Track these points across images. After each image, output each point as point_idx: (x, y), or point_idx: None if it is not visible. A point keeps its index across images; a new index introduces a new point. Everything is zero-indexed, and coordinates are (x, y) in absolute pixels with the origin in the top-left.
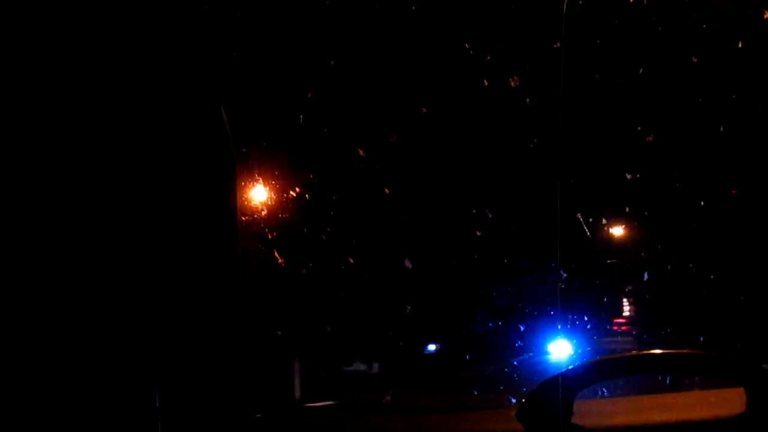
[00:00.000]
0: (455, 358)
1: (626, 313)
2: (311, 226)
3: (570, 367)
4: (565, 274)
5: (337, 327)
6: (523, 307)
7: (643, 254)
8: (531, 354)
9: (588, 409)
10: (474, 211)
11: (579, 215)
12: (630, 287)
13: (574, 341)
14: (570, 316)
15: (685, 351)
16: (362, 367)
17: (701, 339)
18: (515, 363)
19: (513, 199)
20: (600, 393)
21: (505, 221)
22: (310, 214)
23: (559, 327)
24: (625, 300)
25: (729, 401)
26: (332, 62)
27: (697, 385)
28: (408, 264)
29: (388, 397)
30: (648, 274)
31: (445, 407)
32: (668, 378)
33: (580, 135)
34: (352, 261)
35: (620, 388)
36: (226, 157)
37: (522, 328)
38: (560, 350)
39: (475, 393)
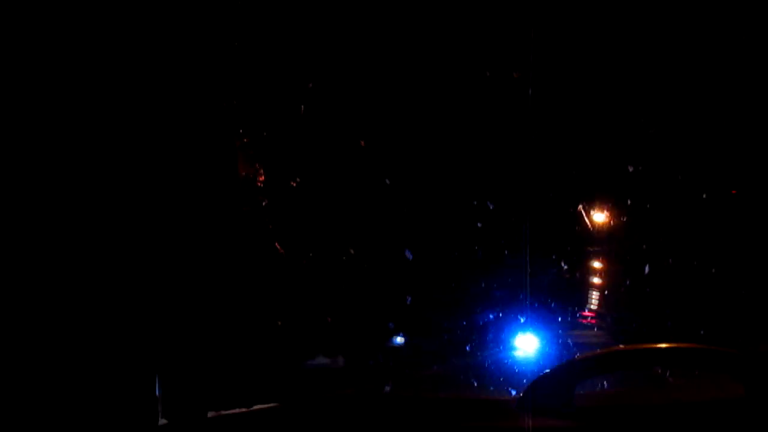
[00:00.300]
0: (421, 352)
1: (593, 306)
2: (270, 219)
3: (571, 359)
4: (566, 266)
5: (300, 320)
6: (491, 301)
7: (627, 249)
8: (498, 349)
9: (587, 398)
10: (441, 205)
11: (580, 207)
12: (601, 279)
13: (542, 335)
14: (540, 310)
15: (687, 345)
16: (326, 360)
17: (701, 332)
18: (515, 357)
19: (483, 192)
20: (600, 386)
21: (473, 214)
22: (269, 205)
23: (525, 321)
24: (595, 292)
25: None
26: (332, 53)
27: (697, 379)
28: (409, 255)
29: (388, 388)
30: (624, 267)
31: (446, 398)
32: (668, 372)
33: (578, 128)
34: (312, 254)
35: (619, 382)
36: (229, 149)
37: (490, 322)
38: (527, 345)
39: (475, 384)
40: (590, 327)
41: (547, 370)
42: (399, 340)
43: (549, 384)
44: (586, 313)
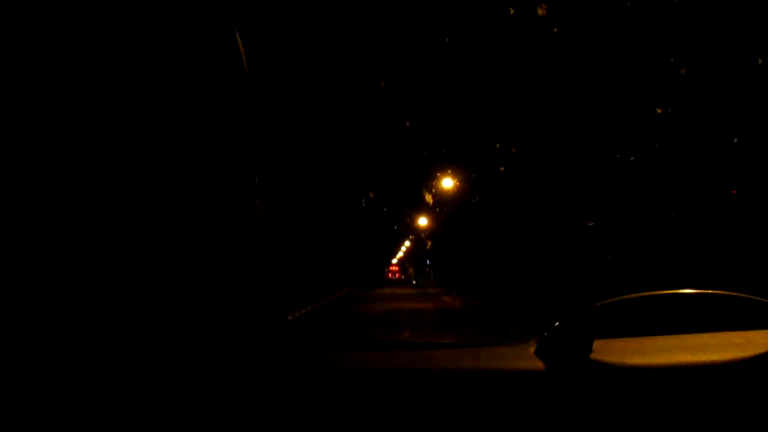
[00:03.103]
0: None
1: (395, 260)
2: None
3: (593, 305)
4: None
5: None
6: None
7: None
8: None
9: (607, 348)
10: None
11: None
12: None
13: None
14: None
15: (718, 292)
16: None
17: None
18: None
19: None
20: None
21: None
22: None
23: None
24: (407, 242)
25: (754, 343)
26: None
27: (723, 327)
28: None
29: (406, 334)
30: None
31: (460, 343)
32: (693, 318)
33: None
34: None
35: (644, 329)
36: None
37: None
38: None
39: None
40: (401, 283)
41: (568, 315)
42: None
43: (568, 331)
44: (393, 267)
